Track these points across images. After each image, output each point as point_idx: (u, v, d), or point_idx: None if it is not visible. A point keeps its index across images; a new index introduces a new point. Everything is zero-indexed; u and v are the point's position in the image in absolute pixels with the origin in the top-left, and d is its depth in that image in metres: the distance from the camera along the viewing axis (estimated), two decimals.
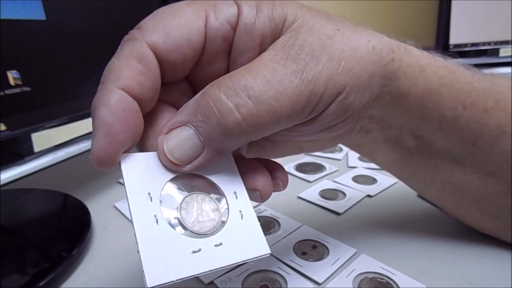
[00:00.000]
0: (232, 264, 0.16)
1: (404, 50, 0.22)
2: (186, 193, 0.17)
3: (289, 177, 0.39)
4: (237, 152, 0.21)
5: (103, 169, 0.16)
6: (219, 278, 0.24)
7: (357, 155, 0.44)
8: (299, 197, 0.35)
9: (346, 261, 0.25)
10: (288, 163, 0.42)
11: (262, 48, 0.18)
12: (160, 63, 0.18)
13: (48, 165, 0.28)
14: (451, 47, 0.92)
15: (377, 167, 0.40)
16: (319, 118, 0.19)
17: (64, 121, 0.30)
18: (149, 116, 0.18)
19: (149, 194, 0.16)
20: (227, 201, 0.17)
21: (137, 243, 0.15)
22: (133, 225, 0.15)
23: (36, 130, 0.27)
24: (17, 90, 0.26)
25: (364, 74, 0.18)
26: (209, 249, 0.16)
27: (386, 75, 0.20)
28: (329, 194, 0.35)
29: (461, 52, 0.92)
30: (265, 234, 0.28)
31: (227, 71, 0.19)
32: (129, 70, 0.17)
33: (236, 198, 0.18)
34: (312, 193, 0.35)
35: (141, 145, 0.18)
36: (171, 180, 0.17)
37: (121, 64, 0.17)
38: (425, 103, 0.21)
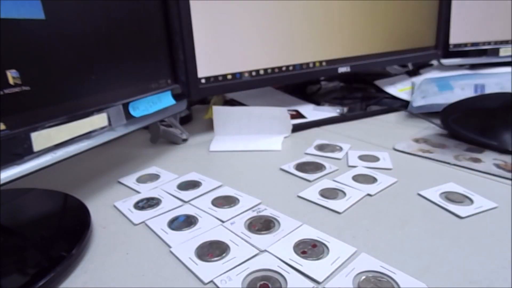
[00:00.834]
0: None
1: None
2: None
3: (289, 176, 0.39)
4: None
5: None
6: (219, 277, 0.24)
7: (357, 154, 0.44)
8: (299, 196, 0.35)
9: (346, 260, 0.25)
10: (288, 162, 0.42)
11: None
12: None
13: (48, 165, 0.28)
14: (451, 47, 0.91)
15: (377, 166, 0.41)
16: None
17: (63, 120, 0.30)
18: None
19: None
20: None
21: None
22: None
23: (35, 129, 0.27)
24: (17, 89, 0.26)
25: None
26: None
27: None
28: (329, 193, 0.35)
29: (461, 52, 0.92)
30: (265, 233, 0.28)
31: None
32: None
33: None
34: (312, 192, 0.35)
35: None
36: None
37: None
38: None
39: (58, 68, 0.30)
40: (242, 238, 0.28)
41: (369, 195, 0.34)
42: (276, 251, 0.26)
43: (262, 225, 0.30)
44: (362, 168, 0.40)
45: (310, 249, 0.26)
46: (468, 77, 0.65)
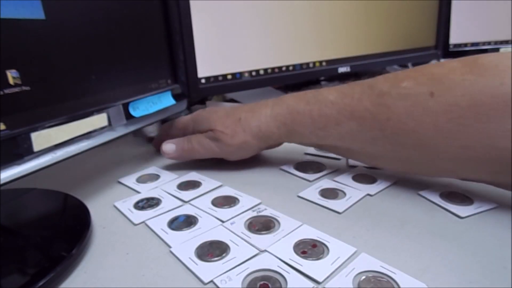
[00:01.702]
0: None
1: (286, 127, 0.37)
2: None
3: (289, 176, 0.39)
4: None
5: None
6: (219, 277, 0.24)
7: None
8: (299, 196, 0.35)
9: (346, 260, 0.25)
10: (288, 162, 0.42)
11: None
12: None
13: (48, 165, 0.28)
14: (451, 46, 0.92)
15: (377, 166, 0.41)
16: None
17: (63, 120, 0.29)
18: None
19: None
20: None
21: None
22: None
23: (35, 129, 0.27)
24: (17, 89, 0.26)
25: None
26: None
27: (273, 143, 0.40)
28: (329, 193, 0.35)
29: (461, 52, 0.92)
30: (265, 233, 0.28)
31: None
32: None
33: None
34: (312, 192, 0.35)
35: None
36: None
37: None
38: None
39: (58, 68, 0.30)
40: (242, 238, 0.28)
41: (369, 195, 0.34)
42: (276, 251, 0.26)
43: (262, 225, 0.30)
44: (362, 168, 0.40)
45: (310, 249, 0.26)
46: None
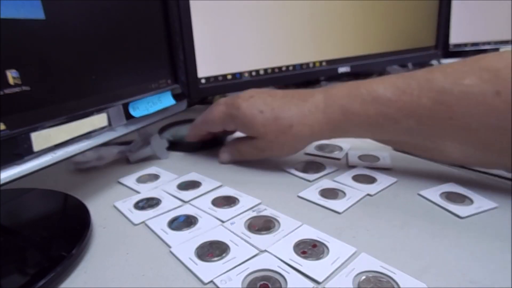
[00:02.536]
0: None
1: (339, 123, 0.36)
2: None
3: (289, 176, 0.39)
4: None
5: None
6: (219, 277, 0.24)
7: (357, 154, 0.44)
8: (299, 196, 0.35)
9: (346, 260, 0.25)
10: (288, 162, 0.42)
11: None
12: None
13: (48, 165, 0.28)
14: (451, 47, 0.92)
15: (377, 166, 0.41)
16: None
17: (63, 120, 0.29)
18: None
19: None
20: None
21: None
22: None
23: (35, 129, 0.27)
24: (17, 89, 0.26)
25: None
26: None
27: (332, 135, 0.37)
28: (329, 193, 0.35)
29: (461, 52, 0.92)
30: (265, 233, 0.28)
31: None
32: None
33: None
34: (312, 192, 0.35)
35: None
36: None
37: None
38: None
39: (58, 68, 0.30)
40: (242, 238, 0.28)
41: (369, 195, 0.34)
42: (276, 251, 0.26)
43: (262, 225, 0.30)
44: (362, 168, 0.40)
45: (310, 249, 0.26)
46: None
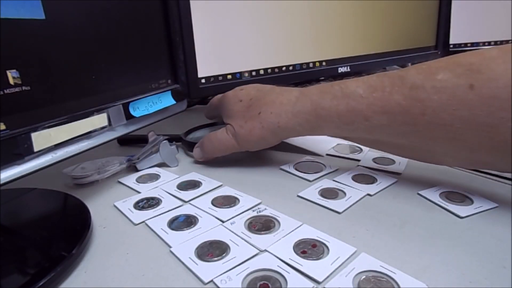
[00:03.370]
0: None
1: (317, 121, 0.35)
2: None
3: (289, 176, 0.39)
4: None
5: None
6: (219, 277, 0.24)
7: (374, 156, 0.44)
8: (299, 196, 0.35)
9: (346, 259, 0.25)
10: (288, 162, 0.42)
11: None
12: None
13: (48, 165, 0.28)
14: (451, 47, 0.92)
15: (376, 166, 0.41)
16: None
17: (63, 120, 0.30)
18: None
19: None
20: None
21: None
22: None
23: (35, 129, 0.27)
24: (17, 89, 0.26)
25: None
26: None
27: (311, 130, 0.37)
28: (329, 193, 0.35)
29: (461, 52, 0.92)
30: (265, 233, 0.28)
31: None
32: None
33: None
34: (312, 192, 0.35)
35: None
36: None
37: None
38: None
39: (58, 68, 0.30)
40: (242, 238, 0.28)
41: (369, 195, 0.34)
42: (276, 251, 0.26)
43: (262, 225, 0.30)
44: (362, 168, 0.41)
45: (310, 249, 0.26)
46: None
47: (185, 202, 0.35)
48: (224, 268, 0.24)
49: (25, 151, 0.26)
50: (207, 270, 0.24)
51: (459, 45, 0.92)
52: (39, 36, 0.28)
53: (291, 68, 0.64)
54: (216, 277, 0.24)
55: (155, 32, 0.41)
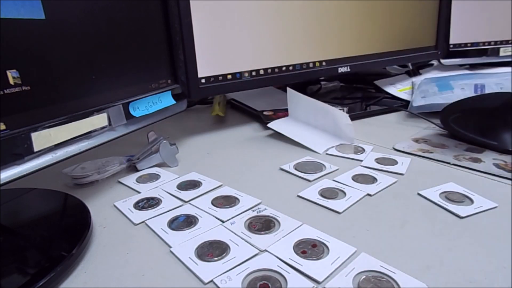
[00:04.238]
0: None
1: None
2: None
3: (289, 176, 0.39)
4: None
5: None
6: (219, 277, 0.24)
7: (377, 156, 0.44)
8: (299, 196, 0.35)
9: (346, 259, 0.25)
10: (288, 162, 0.42)
11: None
12: None
13: (48, 165, 0.28)
14: (451, 46, 0.91)
15: (376, 167, 0.41)
16: None
17: (63, 120, 0.30)
18: None
19: None
20: None
21: None
22: None
23: (35, 129, 0.27)
24: (17, 89, 0.26)
25: None
26: None
27: None
28: (329, 193, 0.35)
29: (461, 52, 0.92)
30: (265, 233, 0.28)
31: None
32: None
33: None
34: (312, 192, 0.35)
35: None
36: None
37: None
38: None
39: (58, 68, 0.30)
40: (242, 238, 0.28)
41: (369, 195, 0.34)
42: (276, 251, 0.26)
43: (262, 225, 0.30)
44: (362, 168, 0.40)
45: (310, 249, 0.26)
46: (468, 77, 0.65)
47: (185, 202, 0.35)
48: (224, 268, 0.24)
49: (25, 151, 0.27)
50: (207, 270, 0.24)
51: (459, 45, 0.92)
52: (39, 36, 0.28)
53: (291, 68, 0.64)
54: (216, 277, 0.24)
55: (155, 32, 0.41)
